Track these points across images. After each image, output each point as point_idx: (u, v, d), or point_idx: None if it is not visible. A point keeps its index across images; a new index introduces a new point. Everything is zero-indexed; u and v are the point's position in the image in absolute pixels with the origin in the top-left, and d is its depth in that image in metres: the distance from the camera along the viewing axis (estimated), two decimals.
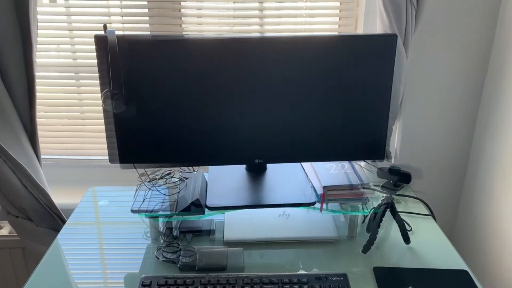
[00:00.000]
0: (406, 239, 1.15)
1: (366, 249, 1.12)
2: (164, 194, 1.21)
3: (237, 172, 1.28)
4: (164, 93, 1.09)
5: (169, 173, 1.33)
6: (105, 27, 1.08)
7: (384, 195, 1.12)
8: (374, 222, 1.11)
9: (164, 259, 1.09)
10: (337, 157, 1.20)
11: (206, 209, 1.12)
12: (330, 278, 0.99)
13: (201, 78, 1.09)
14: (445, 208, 1.62)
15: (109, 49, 1.00)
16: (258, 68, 1.09)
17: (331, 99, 1.13)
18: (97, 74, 1.44)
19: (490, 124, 1.42)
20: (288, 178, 1.25)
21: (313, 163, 1.29)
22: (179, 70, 1.08)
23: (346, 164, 1.27)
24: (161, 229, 1.18)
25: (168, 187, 1.25)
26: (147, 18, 1.43)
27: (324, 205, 1.15)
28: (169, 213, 1.11)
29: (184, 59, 1.07)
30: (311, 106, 1.13)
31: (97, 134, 1.56)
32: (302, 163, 1.32)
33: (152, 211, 1.11)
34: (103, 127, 1.54)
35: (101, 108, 1.49)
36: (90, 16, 1.43)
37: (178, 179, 1.29)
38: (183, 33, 1.44)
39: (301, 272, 1.05)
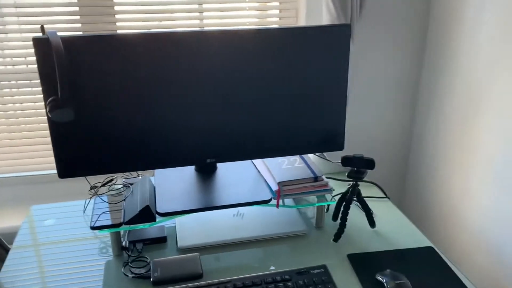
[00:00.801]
0: (372, 223, 1.18)
1: (337, 237, 1.13)
2: (111, 203, 1.12)
3: (186, 174, 1.22)
4: (110, 95, 1.01)
5: (111, 180, 1.24)
6: (42, 28, 0.97)
7: (350, 183, 1.14)
8: (344, 210, 1.12)
9: (134, 275, 1.01)
10: (294, 151, 1.19)
11: (157, 216, 1.06)
12: (311, 272, 0.99)
13: (146, 77, 1.02)
14: (392, 190, 1.70)
15: (55, 52, 0.90)
16: (204, 63, 1.04)
17: (285, 93, 1.11)
18: (29, 81, 1.32)
19: (430, 101, 1.50)
20: (240, 176, 1.21)
21: (264, 159, 1.27)
22: (125, 69, 1.00)
23: (297, 158, 1.27)
24: (124, 243, 1.10)
25: (112, 195, 1.16)
26: (78, 17, 1.32)
27: (280, 201, 1.14)
28: (130, 225, 1.04)
29: (130, 56, 1.00)
30: (263, 101, 1.11)
31: (33, 147, 1.41)
32: (253, 160, 1.30)
33: (115, 225, 1.03)
34: (37, 139, 1.40)
35: (36, 118, 1.36)
36: (16, 17, 1.28)
37: (122, 186, 1.21)
38: (129, 31, 1.35)
39: (281, 270, 1.03)
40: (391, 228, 1.19)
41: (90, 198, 1.28)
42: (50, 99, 0.95)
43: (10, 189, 1.44)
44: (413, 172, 1.64)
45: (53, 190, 1.46)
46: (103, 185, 1.21)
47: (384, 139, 1.61)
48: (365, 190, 1.39)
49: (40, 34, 0.97)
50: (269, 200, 1.12)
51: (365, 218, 1.21)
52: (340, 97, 1.15)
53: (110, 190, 1.18)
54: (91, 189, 1.19)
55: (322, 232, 1.18)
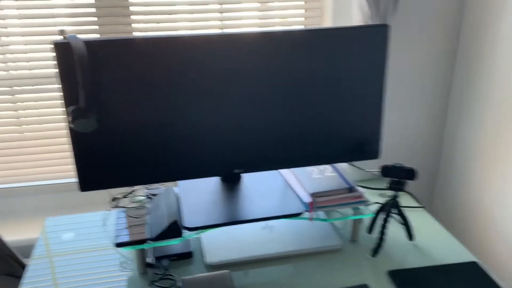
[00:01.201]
0: (411, 236, 1.11)
1: (375, 252, 1.06)
2: (134, 217, 1.06)
3: (210, 184, 1.15)
4: (133, 103, 0.95)
5: (133, 190, 1.18)
6: (62, 32, 0.90)
7: (388, 194, 1.07)
8: (383, 222, 1.05)
9: None
10: (327, 160, 1.12)
11: (185, 231, 0.99)
12: None
13: (170, 83, 0.96)
14: (422, 198, 1.62)
15: (77, 58, 0.83)
16: (231, 68, 0.98)
17: (318, 99, 1.04)
18: (34, 87, 1.25)
19: (463, 105, 1.43)
20: (267, 187, 1.15)
21: (292, 168, 1.20)
22: (149, 74, 0.94)
23: (327, 166, 1.20)
24: (150, 260, 1.03)
25: (135, 207, 1.10)
26: (95, 18, 1.25)
27: (314, 214, 1.07)
28: (158, 242, 0.97)
29: (154, 61, 0.93)
30: (295, 107, 1.04)
31: (43, 156, 1.35)
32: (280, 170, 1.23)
33: (141, 241, 0.96)
34: (44, 148, 1.33)
35: (42, 125, 1.29)
36: (28, 19, 1.22)
37: (144, 197, 1.15)
38: (159, 33, 1.28)
39: None
40: (430, 240, 1.12)
41: (111, 210, 1.21)
42: (72, 108, 0.88)
43: (23, 199, 1.37)
44: (443, 179, 1.57)
45: (67, 200, 1.40)
46: (125, 196, 1.14)
47: (412, 144, 1.53)
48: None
49: (60, 38, 0.91)
50: (301, 213, 1.05)
51: (401, 230, 1.14)
52: (377, 101, 1.08)
53: (132, 202, 1.12)
54: (112, 200, 1.13)
55: (357, 246, 1.11)
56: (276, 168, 1.09)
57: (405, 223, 1.09)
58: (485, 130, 1.35)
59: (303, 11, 1.39)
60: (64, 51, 0.88)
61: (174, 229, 0.97)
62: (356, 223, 1.12)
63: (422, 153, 1.55)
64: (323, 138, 1.08)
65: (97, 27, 1.26)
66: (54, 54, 0.89)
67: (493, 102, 1.31)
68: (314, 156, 1.10)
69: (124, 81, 0.93)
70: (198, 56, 0.95)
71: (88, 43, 0.89)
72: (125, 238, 0.97)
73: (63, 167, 1.37)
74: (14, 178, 1.35)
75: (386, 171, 1.05)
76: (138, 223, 1.02)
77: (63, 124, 1.31)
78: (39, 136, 1.32)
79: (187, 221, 1.01)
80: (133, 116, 0.95)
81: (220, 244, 1.10)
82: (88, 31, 1.25)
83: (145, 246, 0.97)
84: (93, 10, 1.24)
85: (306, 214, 1.05)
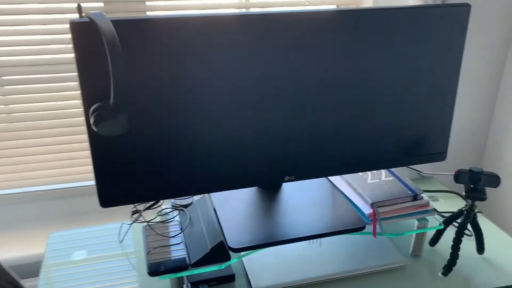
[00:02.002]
0: (481, 249, 0.97)
1: (447, 270, 0.91)
2: (165, 236, 0.88)
3: (247, 192, 0.99)
4: (167, 98, 0.76)
5: (157, 201, 1.00)
6: (79, 7, 0.71)
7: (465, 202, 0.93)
8: (456, 236, 0.90)
9: None
10: (386, 164, 0.95)
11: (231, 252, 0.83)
12: None
13: (212, 74, 0.77)
14: None
15: (107, 42, 0.64)
16: (277, 56, 0.80)
17: (380, 91, 0.87)
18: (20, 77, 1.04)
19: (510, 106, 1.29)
20: (314, 195, 0.98)
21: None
22: (184, 63, 0.75)
23: (382, 171, 1.04)
24: (185, 286, 0.86)
25: (163, 222, 0.92)
26: None
27: (378, 227, 0.91)
28: (200, 268, 0.80)
29: (193, 47, 0.75)
30: (354, 102, 0.86)
31: (42, 157, 1.14)
32: None
33: (180, 268, 0.79)
34: (43, 148, 1.13)
35: (31, 122, 1.09)
36: None
37: (171, 209, 0.97)
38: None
39: None
40: (499, 252, 0.98)
41: (131, 224, 1.03)
42: (97, 106, 0.69)
43: (16, 207, 1.17)
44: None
45: (68, 208, 1.20)
46: (148, 208, 0.96)
47: (456, 140, 1.39)
48: (446, 202, 1.18)
49: (76, 16, 0.71)
50: (364, 227, 0.89)
51: (466, 241, 1.00)
52: (450, 94, 0.92)
53: (158, 215, 0.94)
54: (133, 214, 0.94)
55: (421, 262, 0.96)
56: (330, 174, 0.93)
57: (478, 234, 0.95)
58: None
59: None
60: (86, 33, 0.69)
61: (220, 252, 0.80)
62: (420, 236, 0.97)
63: (466, 150, 1.41)
64: (383, 139, 0.92)
65: (101, 4, 1.06)
66: (71, 36, 0.69)
67: None
68: (373, 159, 0.93)
69: (160, 73, 0.74)
70: (240, 40, 0.76)
71: (118, 23, 0.69)
72: (160, 265, 0.79)
73: (59, 171, 1.17)
74: (6, 183, 1.14)
75: (461, 176, 0.90)
76: (170, 243, 0.85)
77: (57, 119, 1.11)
78: (28, 135, 1.11)
79: (231, 241, 0.83)
80: (170, 115, 0.77)
81: (265, 265, 0.93)
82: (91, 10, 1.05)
83: (185, 273, 0.80)
84: None
85: (368, 229, 0.90)
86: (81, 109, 1.04)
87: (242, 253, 0.85)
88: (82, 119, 1.10)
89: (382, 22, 0.82)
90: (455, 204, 1.16)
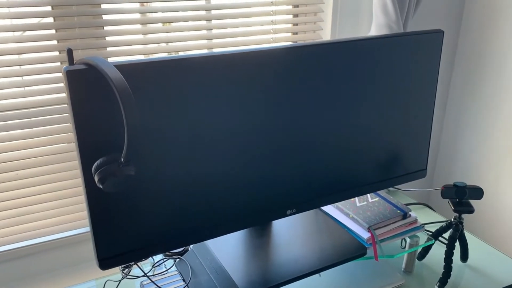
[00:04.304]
0: (465, 258, 1.02)
1: (443, 284, 0.94)
2: None
3: (240, 231, 0.95)
4: (174, 145, 0.72)
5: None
6: (70, 53, 0.64)
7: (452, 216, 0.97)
8: (448, 250, 0.94)
9: None
10: (374, 187, 0.97)
11: None
12: None
13: (214, 115, 0.74)
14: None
15: (118, 91, 0.58)
16: (270, 89, 0.80)
17: (365, 117, 0.90)
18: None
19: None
20: (307, 226, 0.98)
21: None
22: (182, 109, 0.71)
23: (368, 194, 1.06)
24: None
25: (161, 274, 0.85)
26: (53, 31, 0.96)
27: (378, 250, 0.93)
28: None
29: (206, 88, 0.71)
30: (340, 130, 0.88)
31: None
32: None
33: None
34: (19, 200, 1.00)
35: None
36: None
37: (164, 258, 0.91)
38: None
39: None
40: (478, 258, 1.04)
41: (120, 281, 0.93)
42: (104, 161, 0.62)
43: None
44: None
45: (20, 269, 1.07)
46: (137, 261, 0.88)
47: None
48: (417, 213, 1.23)
49: (69, 65, 0.64)
50: (365, 253, 0.90)
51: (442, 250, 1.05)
52: (427, 114, 0.97)
53: (153, 268, 0.86)
54: (123, 269, 0.86)
55: (416, 278, 0.99)
56: (326, 203, 0.92)
57: (463, 244, 1.00)
58: (485, 135, 1.33)
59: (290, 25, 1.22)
60: (82, 81, 0.62)
61: None
62: (412, 253, 0.99)
63: None
64: (370, 164, 0.94)
65: (55, 42, 0.97)
66: (67, 85, 0.62)
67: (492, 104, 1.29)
68: (361, 184, 0.95)
69: (150, 120, 0.69)
70: (240, 76, 0.74)
71: (123, 68, 0.63)
72: None
73: (9, 229, 1.04)
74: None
75: (448, 191, 0.94)
76: None
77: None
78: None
79: (242, 286, 0.79)
80: (172, 161, 0.72)
81: None
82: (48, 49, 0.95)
83: None
84: (50, 20, 0.95)
85: (369, 254, 0.91)
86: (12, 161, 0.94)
87: None
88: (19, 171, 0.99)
89: (361, 52, 0.85)
90: (426, 215, 1.22)
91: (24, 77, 0.95)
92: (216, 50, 0.88)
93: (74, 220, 1.08)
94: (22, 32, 0.93)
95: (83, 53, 0.97)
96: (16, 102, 0.95)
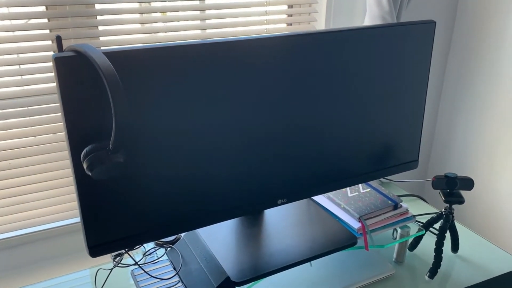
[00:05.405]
0: (456, 248, 1.02)
1: (433, 273, 0.95)
2: (159, 278, 0.83)
3: (231, 220, 0.96)
4: (165, 133, 0.72)
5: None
6: (59, 40, 0.64)
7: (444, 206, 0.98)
8: (438, 240, 0.95)
9: None
10: (366, 178, 0.98)
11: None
12: None
13: (211, 103, 0.75)
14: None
15: (106, 79, 0.58)
16: (262, 77, 0.80)
17: (358, 108, 0.90)
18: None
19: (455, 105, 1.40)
20: (298, 215, 0.98)
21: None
22: (177, 99, 0.71)
23: (360, 184, 1.06)
24: None
25: (152, 263, 0.86)
26: (45, 20, 0.96)
27: (369, 240, 0.93)
28: None
29: (197, 77, 0.71)
30: (332, 120, 0.88)
31: None
32: None
33: None
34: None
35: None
36: None
37: (155, 247, 0.91)
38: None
39: None
40: (469, 249, 1.05)
41: (111, 269, 0.93)
42: (90, 147, 0.62)
43: None
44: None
45: (18, 257, 1.07)
46: (128, 250, 0.88)
47: None
48: (410, 205, 1.24)
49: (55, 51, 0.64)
50: (355, 242, 0.91)
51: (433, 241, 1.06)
52: (419, 105, 0.97)
53: (144, 256, 0.87)
54: (115, 258, 0.86)
55: (407, 268, 0.99)
56: (317, 193, 0.93)
57: (454, 235, 1.01)
58: (479, 127, 1.33)
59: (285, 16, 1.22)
60: (71, 68, 0.62)
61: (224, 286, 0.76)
62: (403, 243, 1.00)
63: None
64: (362, 154, 0.95)
65: (47, 31, 0.97)
66: (55, 72, 0.62)
67: (485, 100, 1.29)
68: (353, 174, 0.95)
69: (144, 110, 0.69)
70: (232, 64, 0.74)
71: (111, 55, 0.63)
72: None
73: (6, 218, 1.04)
74: None
75: (438, 182, 0.94)
76: (167, 285, 0.79)
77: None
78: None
79: (232, 274, 0.80)
80: (168, 153, 0.72)
81: None
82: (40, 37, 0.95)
83: None
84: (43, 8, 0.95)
85: (360, 243, 0.91)
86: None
87: (244, 286, 0.82)
88: (19, 159, 0.99)
89: (353, 42, 0.85)
90: (419, 207, 1.22)
91: (13, 67, 0.95)
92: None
93: (68, 209, 1.08)
94: (11, 20, 0.93)
95: (76, 42, 0.97)
96: (7, 91, 0.94)
